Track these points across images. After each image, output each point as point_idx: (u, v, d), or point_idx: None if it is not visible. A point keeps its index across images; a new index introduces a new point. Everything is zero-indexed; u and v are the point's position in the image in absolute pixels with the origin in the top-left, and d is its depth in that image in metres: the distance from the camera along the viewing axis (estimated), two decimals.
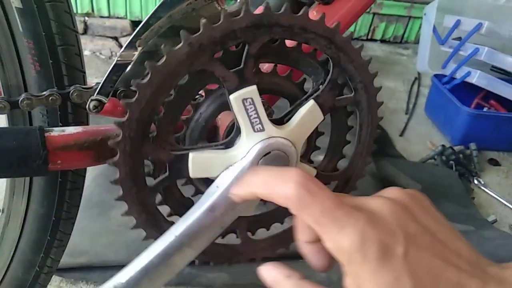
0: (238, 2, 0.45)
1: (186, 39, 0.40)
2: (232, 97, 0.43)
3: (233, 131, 0.46)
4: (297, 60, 0.48)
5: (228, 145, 0.46)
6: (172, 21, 0.43)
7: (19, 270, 0.58)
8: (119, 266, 1.00)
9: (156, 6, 0.42)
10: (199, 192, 0.51)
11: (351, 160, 0.54)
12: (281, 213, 0.57)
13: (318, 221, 0.29)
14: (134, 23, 2.29)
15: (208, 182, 0.48)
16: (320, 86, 0.48)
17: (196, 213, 0.44)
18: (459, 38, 1.72)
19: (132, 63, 0.43)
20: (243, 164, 0.44)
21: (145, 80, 0.40)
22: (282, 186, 0.31)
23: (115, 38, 2.28)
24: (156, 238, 0.47)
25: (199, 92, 0.46)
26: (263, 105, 0.47)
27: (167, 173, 0.46)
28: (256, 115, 0.44)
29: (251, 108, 0.43)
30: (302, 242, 0.35)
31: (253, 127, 0.44)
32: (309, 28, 0.44)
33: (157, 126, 0.44)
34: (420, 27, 2.58)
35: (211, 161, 0.45)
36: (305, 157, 0.55)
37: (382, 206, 0.30)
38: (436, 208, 0.33)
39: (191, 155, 0.45)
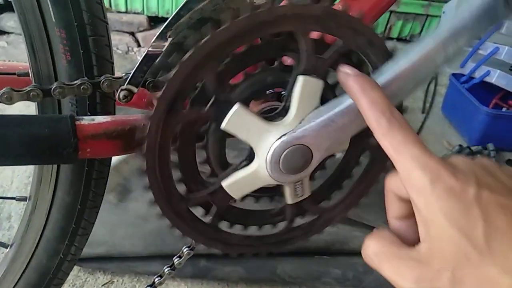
0: None
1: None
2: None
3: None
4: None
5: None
6: (203, 12, 0.43)
7: (43, 257, 0.59)
8: (136, 257, 1.02)
9: None
10: (213, 174, 0.49)
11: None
12: (346, 169, 0.55)
13: (398, 149, 0.31)
14: (151, 19, 2.30)
15: (224, 166, 0.47)
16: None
17: None
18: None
19: (162, 54, 0.44)
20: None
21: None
22: (379, 112, 0.33)
23: (132, 34, 2.30)
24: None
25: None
26: (277, 100, 0.48)
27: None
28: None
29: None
30: (392, 218, 0.36)
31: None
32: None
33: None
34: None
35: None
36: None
37: (460, 161, 0.31)
38: None
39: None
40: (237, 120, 0.42)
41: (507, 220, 0.27)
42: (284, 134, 0.43)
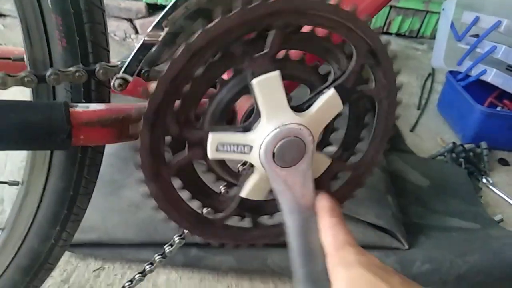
0: None
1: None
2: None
3: (252, 115, 0.46)
4: (325, 49, 0.47)
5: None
6: (199, 3, 0.43)
7: (35, 242, 0.59)
8: (128, 245, 1.02)
9: None
10: (219, 178, 0.51)
11: (368, 147, 0.54)
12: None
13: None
14: (150, 6, 2.28)
15: (226, 168, 0.48)
16: (343, 74, 0.47)
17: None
18: (477, 35, 1.70)
19: (158, 43, 0.44)
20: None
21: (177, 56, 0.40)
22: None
23: (130, 20, 2.28)
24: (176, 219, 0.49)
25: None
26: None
27: (185, 152, 0.46)
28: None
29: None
30: None
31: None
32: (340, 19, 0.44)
33: (181, 99, 0.44)
34: (437, 22, 2.55)
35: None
36: (320, 146, 0.55)
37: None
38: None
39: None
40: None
41: None
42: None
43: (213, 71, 0.44)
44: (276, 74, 0.43)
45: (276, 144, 0.45)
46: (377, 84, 0.49)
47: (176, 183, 0.49)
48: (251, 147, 0.46)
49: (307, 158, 0.47)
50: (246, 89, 0.45)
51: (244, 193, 0.49)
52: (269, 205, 0.54)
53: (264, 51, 0.43)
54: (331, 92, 0.47)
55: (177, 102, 0.44)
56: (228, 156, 0.46)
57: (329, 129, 0.54)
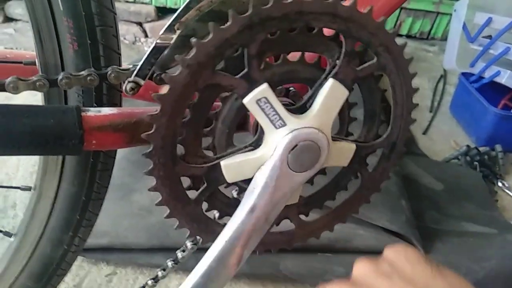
0: None
1: (183, 62, 0.40)
2: (245, 101, 0.43)
3: (258, 129, 0.46)
4: (305, 43, 0.46)
5: (258, 143, 0.47)
6: (212, 5, 0.42)
7: (47, 248, 0.59)
8: (139, 249, 1.02)
9: None
10: (242, 190, 0.51)
11: (392, 123, 0.52)
12: (332, 189, 0.56)
13: None
14: (159, 9, 2.29)
15: (249, 179, 0.48)
16: (337, 61, 0.46)
17: (239, 216, 0.47)
18: (490, 37, 1.68)
19: (170, 46, 0.43)
20: (273, 163, 0.45)
21: (157, 111, 0.41)
22: None
23: (140, 24, 2.29)
24: (212, 241, 0.49)
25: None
26: (284, 96, 0.49)
27: (205, 184, 0.48)
28: (274, 112, 0.43)
29: (267, 106, 0.43)
30: None
31: (274, 125, 0.44)
32: (305, 10, 0.42)
33: (183, 145, 0.46)
34: (448, 24, 2.53)
35: (243, 165, 0.46)
36: (342, 133, 0.54)
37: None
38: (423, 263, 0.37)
39: (222, 163, 0.46)
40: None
41: None
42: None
43: (201, 107, 0.45)
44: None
45: (288, 155, 0.45)
46: (379, 58, 0.47)
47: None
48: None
49: (324, 153, 0.47)
50: (243, 108, 0.45)
51: (225, 162, 0.48)
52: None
53: (244, 71, 0.42)
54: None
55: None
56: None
57: (345, 109, 0.54)
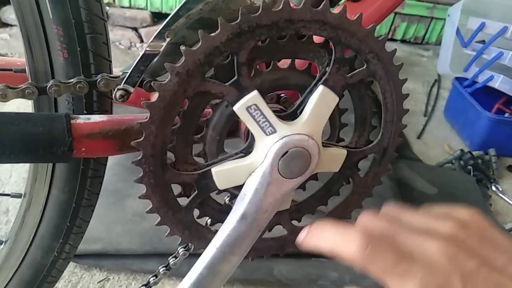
0: None
1: (172, 70, 0.40)
2: (235, 108, 0.43)
3: (249, 136, 0.46)
4: (294, 50, 0.46)
5: (248, 150, 0.47)
6: (202, 13, 0.43)
7: (38, 255, 0.59)
8: (133, 255, 1.01)
9: None
10: (234, 196, 0.51)
11: (383, 129, 0.53)
12: (323, 195, 0.56)
13: (382, 275, 0.33)
14: (154, 15, 2.30)
15: (240, 186, 0.48)
16: (327, 68, 0.46)
17: (230, 223, 0.47)
18: (483, 41, 1.69)
19: (160, 54, 0.43)
20: (264, 169, 0.45)
21: (147, 119, 0.41)
22: (347, 247, 0.34)
23: (135, 29, 2.30)
24: (204, 247, 0.49)
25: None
26: (276, 102, 0.49)
27: (196, 191, 0.48)
28: (264, 119, 0.44)
29: (257, 113, 0.43)
30: None
31: (264, 131, 0.44)
32: (295, 18, 0.42)
33: (174, 152, 0.46)
34: (442, 29, 2.54)
35: (234, 171, 0.46)
36: (333, 139, 0.55)
37: (438, 252, 0.33)
38: (494, 225, 0.35)
39: (213, 170, 0.46)
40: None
41: None
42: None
43: (192, 115, 0.45)
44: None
45: (278, 161, 0.45)
46: (369, 64, 0.47)
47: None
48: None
49: (315, 160, 0.47)
50: (233, 115, 0.45)
51: (216, 169, 0.48)
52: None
53: (234, 78, 0.42)
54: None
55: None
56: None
57: (336, 116, 0.54)
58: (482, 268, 0.31)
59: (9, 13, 2.22)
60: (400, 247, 0.34)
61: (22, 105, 1.24)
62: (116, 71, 0.50)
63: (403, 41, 2.66)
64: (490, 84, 1.64)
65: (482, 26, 1.65)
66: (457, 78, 1.79)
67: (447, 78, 2.12)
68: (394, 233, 0.35)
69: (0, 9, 2.24)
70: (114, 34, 2.24)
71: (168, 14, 0.44)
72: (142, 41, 2.30)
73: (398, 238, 0.35)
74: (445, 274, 0.31)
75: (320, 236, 0.38)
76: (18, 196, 0.60)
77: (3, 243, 0.62)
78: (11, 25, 2.24)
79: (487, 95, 1.72)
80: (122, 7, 2.26)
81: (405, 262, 0.32)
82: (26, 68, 0.47)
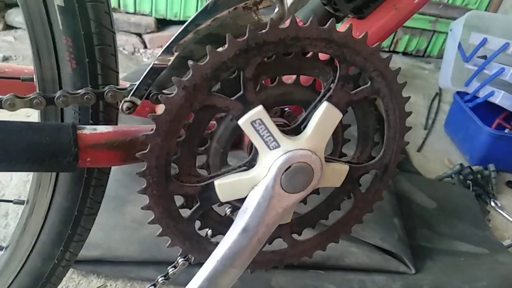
0: (276, 11, 0.46)
1: (179, 84, 0.41)
2: (240, 122, 0.43)
3: (253, 149, 0.47)
4: (300, 66, 0.47)
5: (251, 163, 0.47)
6: (210, 28, 0.43)
7: (38, 261, 0.59)
8: (131, 262, 1.01)
9: (196, 13, 0.42)
10: (236, 208, 0.51)
11: (385, 146, 0.53)
12: (324, 209, 0.57)
13: None
14: (159, 21, 2.31)
15: (242, 199, 0.49)
16: (331, 85, 0.47)
17: (231, 236, 0.47)
18: (485, 57, 1.70)
19: (167, 67, 0.44)
20: (266, 183, 0.46)
21: (153, 131, 0.42)
22: None
23: (139, 35, 2.31)
24: (204, 259, 0.50)
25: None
26: (280, 116, 0.50)
27: (198, 203, 0.48)
28: (268, 134, 0.44)
29: (261, 128, 0.44)
30: None
31: (268, 146, 0.45)
32: (301, 36, 0.43)
33: (177, 164, 0.46)
34: (444, 42, 2.56)
35: (237, 184, 0.47)
36: (335, 154, 0.55)
37: None
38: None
39: (216, 182, 0.46)
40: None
41: None
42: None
43: (196, 128, 0.46)
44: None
45: (281, 176, 0.45)
46: (373, 82, 0.48)
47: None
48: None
49: (317, 175, 0.47)
50: (238, 129, 0.46)
51: (219, 182, 0.49)
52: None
53: (240, 93, 0.43)
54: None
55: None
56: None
57: (339, 131, 0.54)
58: None
59: (14, 16, 2.23)
60: None
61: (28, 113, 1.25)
62: (123, 82, 0.51)
63: (405, 53, 2.67)
64: (491, 99, 1.65)
65: (484, 42, 1.66)
66: (458, 92, 1.80)
67: (448, 92, 2.13)
68: None
69: (5, 12, 2.25)
70: (119, 40, 2.25)
71: (172, 21, 0.44)
72: (145, 47, 2.31)
73: None
74: None
75: None
76: (21, 203, 0.60)
77: (4, 249, 0.63)
78: (16, 28, 2.25)
79: (487, 110, 1.73)
80: (127, 12, 2.27)
81: None
82: (34, 77, 0.47)
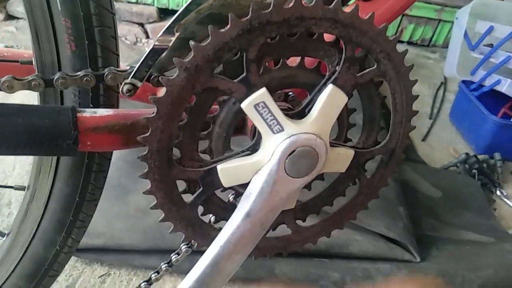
0: None
1: (180, 65, 0.39)
2: (243, 105, 0.42)
3: (256, 133, 0.46)
4: (304, 48, 0.46)
5: (255, 148, 0.46)
6: (212, 8, 0.42)
7: (40, 248, 0.58)
8: (134, 251, 1.01)
9: None
10: (239, 194, 0.51)
11: (391, 130, 0.52)
12: (329, 195, 0.56)
13: None
14: (161, 11, 2.29)
15: (245, 184, 0.48)
16: (337, 67, 0.45)
17: (235, 221, 0.47)
18: (491, 45, 1.68)
19: (168, 48, 0.43)
20: (270, 168, 0.45)
21: (154, 114, 0.41)
22: None
23: (141, 25, 2.29)
24: (207, 245, 0.49)
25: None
26: (283, 101, 0.48)
27: (201, 188, 0.47)
28: (272, 117, 0.43)
29: (265, 111, 0.43)
30: None
31: (271, 129, 0.44)
32: (306, 16, 0.42)
33: (179, 148, 0.46)
34: (449, 31, 2.53)
35: (240, 169, 0.46)
36: (340, 138, 0.54)
37: None
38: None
39: (219, 167, 0.45)
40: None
41: None
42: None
43: (199, 111, 0.45)
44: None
45: (285, 160, 0.44)
46: (380, 64, 0.47)
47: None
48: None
49: (322, 159, 0.46)
50: (241, 113, 0.45)
51: (222, 166, 0.48)
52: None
53: (243, 75, 0.42)
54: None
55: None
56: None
57: (344, 115, 0.53)
58: None
59: (16, 6, 2.22)
60: None
61: (27, 98, 1.24)
62: (123, 65, 0.50)
63: (410, 42, 2.64)
64: (497, 88, 1.63)
65: (490, 30, 1.64)
66: (463, 81, 1.78)
67: (453, 81, 2.10)
68: None
69: (7, 2, 2.24)
70: (121, 29, 2.23)
71: (175, 10, 0.43)
72: (148, 37, 2.30)
73: None
74: None
75: None
76: (21, 188, 0.60)
77: (6, 236, 0.62)
78: (18, 18, 2.24)
79: (493, 99, 1.70)
80: (129, 2, 2.26)
81: None
82: (33, 60, 0.47)
